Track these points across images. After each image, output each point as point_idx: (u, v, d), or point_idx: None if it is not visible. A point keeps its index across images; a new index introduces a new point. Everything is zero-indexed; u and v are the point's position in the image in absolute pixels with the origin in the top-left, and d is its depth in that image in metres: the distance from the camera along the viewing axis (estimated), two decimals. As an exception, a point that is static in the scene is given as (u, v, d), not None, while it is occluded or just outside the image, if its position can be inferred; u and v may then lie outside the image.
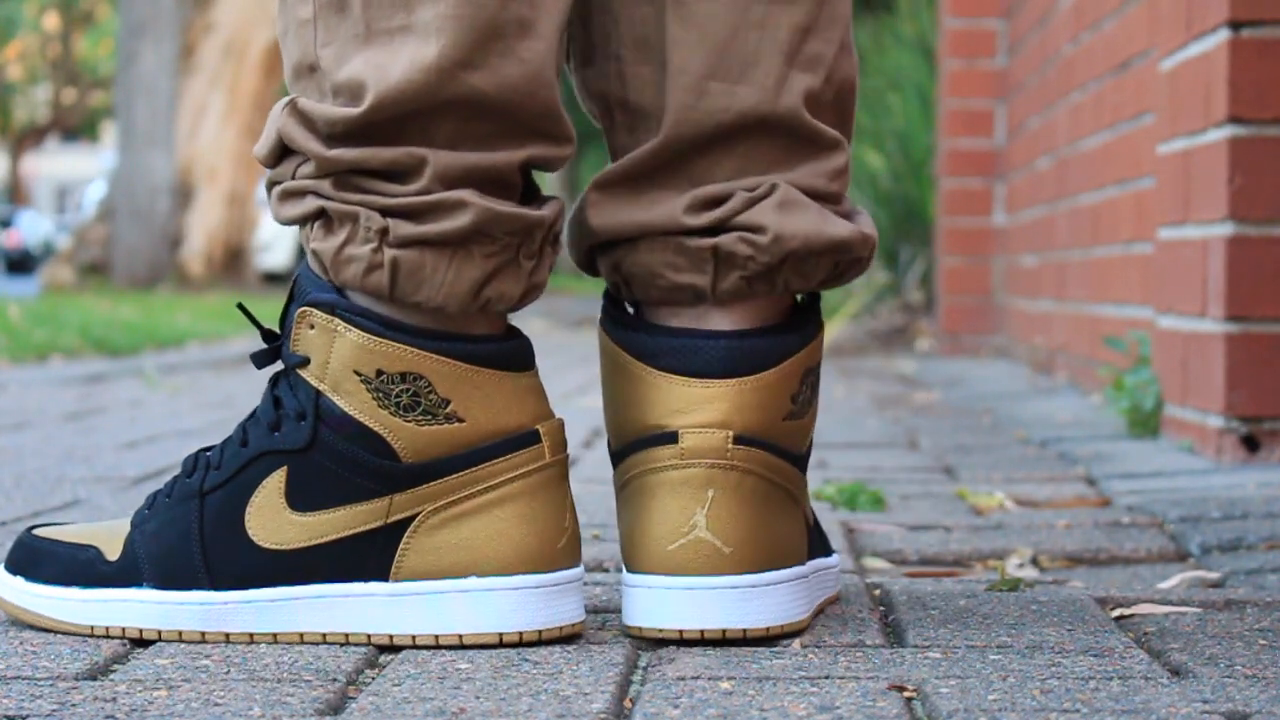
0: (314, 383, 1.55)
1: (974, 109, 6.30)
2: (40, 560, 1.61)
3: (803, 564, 1.61)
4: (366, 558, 1.54)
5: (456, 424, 1.54)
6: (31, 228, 33.96)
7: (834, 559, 1.74)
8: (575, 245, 1.64)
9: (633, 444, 1.58)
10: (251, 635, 1.55)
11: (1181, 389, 3.03)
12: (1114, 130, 4.02)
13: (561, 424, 1.57)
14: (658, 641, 1.56)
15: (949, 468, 3.04)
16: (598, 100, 1.62)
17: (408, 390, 1.53)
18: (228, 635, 1.55)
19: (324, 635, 1.54)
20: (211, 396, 4.67)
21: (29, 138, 36.45)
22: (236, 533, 1.56)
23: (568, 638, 1.56)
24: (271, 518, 1.55)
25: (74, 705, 1.31)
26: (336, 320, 1.54)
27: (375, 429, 1.54)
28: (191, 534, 1.57)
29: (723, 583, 1.55)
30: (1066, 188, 4.72)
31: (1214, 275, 2.81)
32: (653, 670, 1.45)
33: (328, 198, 1.54)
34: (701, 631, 1.54)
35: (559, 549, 1.55)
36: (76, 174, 49.86)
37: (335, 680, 1.40)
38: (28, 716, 1.28)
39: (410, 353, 1.53)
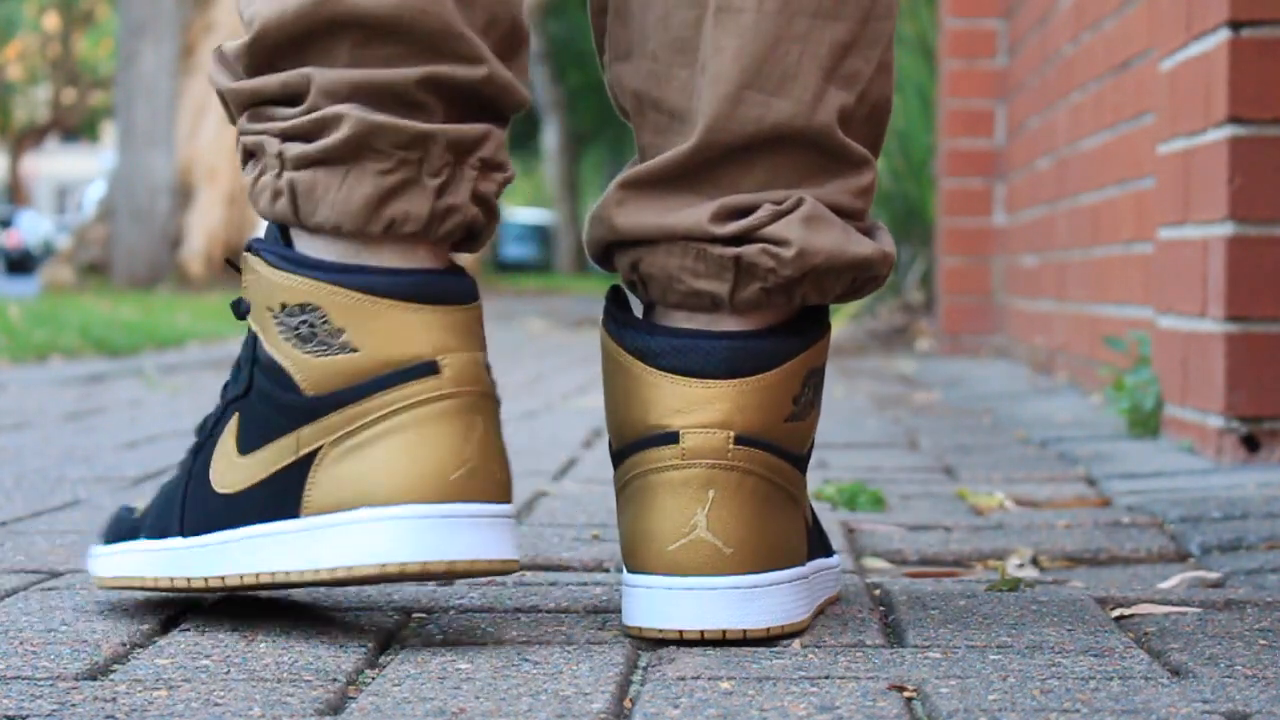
0: (251, 326, 1.58)
1: (974, 109, 6.30)
2: (113, 525, 1.70)
3: (803, 564, 1.61)
4: (285, 495, 1.55)
5: (350, 354, 1.53)
6: (31, 228, 33.98)
7: (834, 559, 1.74)
8: (594, 240, 1.64)
9: (633, 444, 1.58)
10: (206, 580, 1.58)
11: (1181, 389, 3.03)
12: (1114, 130, 4.02)
13: (475, 360, 1.54)
14: (658, 641, 1.56)
15: (949, 468, 3.04)
16: (630, 98, 1.62)
17: (306, 321, 1.54)
18: (189, 580, 1.59)
19: (256, 577, 1.55)
20: (211, 396, 4.67)
21: (29, 138, 36.46)
22: (205, 481, 1.60)
23: (465, 574, 1.52)
24: (226, 463, 1.59)
25: (74, 705, 1.31)
26: (256, 259, 1.57)
27: (281, 363, 1.55)
28: (179, 488, 1.63)
29: (724, 583, 1.54)
30: (1066, 188, 4.72)
31: (1214, 275, 2.81)
32: (653, 670, 1.45)
33: (244, 132, 1.58)
34: (702, 632, 1.54)
35: (451, 480, 1.51)
36: (76, 174, 49.86)
37: (335, 680, 1.40)
38: (28, 716, 1.28)
39: (305, 283, 1.54)
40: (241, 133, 1.58)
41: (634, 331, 1.59)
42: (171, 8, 15.46)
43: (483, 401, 1.54)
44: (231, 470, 1.58)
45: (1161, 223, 3.19)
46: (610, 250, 1.63)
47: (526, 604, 1.72)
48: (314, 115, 1.53)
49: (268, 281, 1.56)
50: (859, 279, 1.61)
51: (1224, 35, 2.76)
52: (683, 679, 1.41)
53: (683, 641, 1.55)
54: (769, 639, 1.56)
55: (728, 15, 1.57)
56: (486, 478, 1.53)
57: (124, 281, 14.97)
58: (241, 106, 1.58)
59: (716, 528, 1.55)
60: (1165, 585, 1.93)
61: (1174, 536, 2.24)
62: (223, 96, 1.61)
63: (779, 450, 1.58)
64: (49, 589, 1.79)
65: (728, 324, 1.59)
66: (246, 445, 1.57)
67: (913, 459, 3.18)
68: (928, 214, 7.20)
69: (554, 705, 1.32)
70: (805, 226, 1.57)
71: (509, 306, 13.57)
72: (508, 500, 1.55)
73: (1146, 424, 3.24)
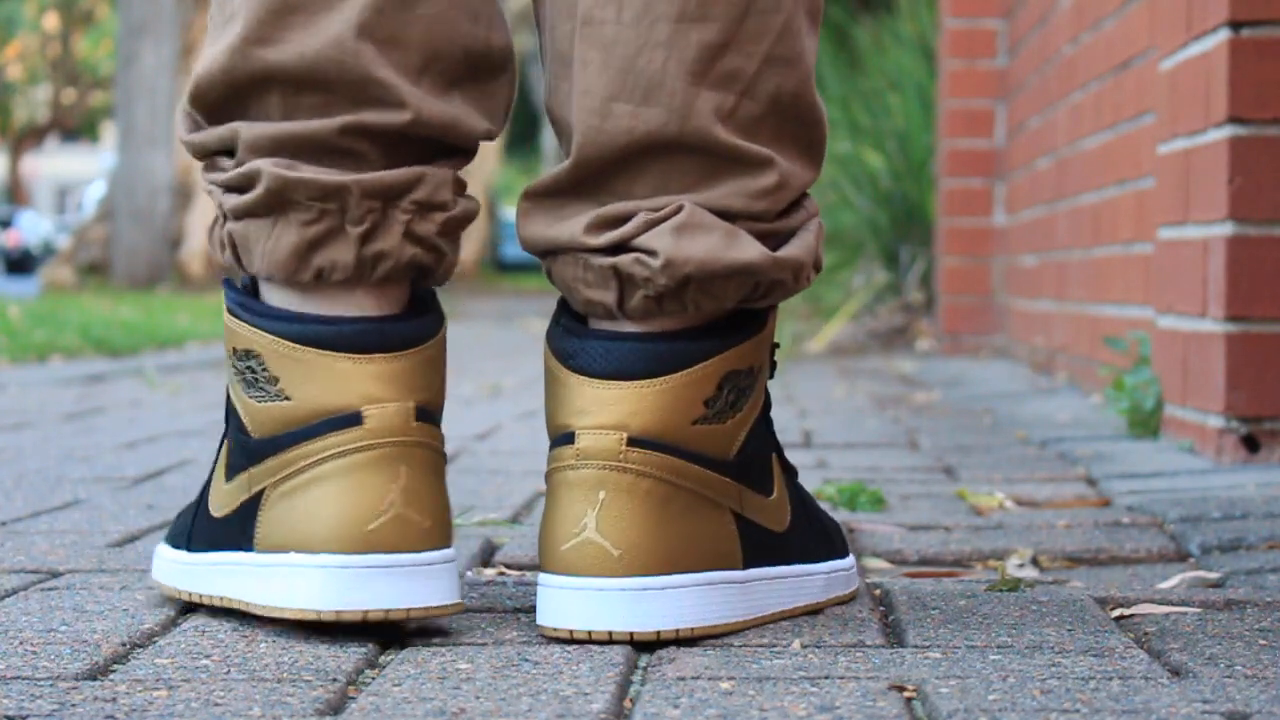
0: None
1: (974, 109, 6.30)
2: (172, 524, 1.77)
3: (733, 569, 1.61)
4: (245, 528, 1.60)
5: (284, 402, 1.57)
6: (31, 228, 33.97)
7: (821, 565, 1.71)
8: (525, 251, 1.67)
9: (551, 442, 1.62)
10: (203, 597, 1.65)
11: (1181, 389, 3.03)
12: (1114, 130, 4.02)
13: (403, 409, 1.55)
14: (660, 642, 1.56)
15: (949, 468, 3.04)
16: (546, 111, 1.65)
17: (249, 367, 1.59)
18: (191, 594, 1.66)
19: (232, 601, 1.61)
20: (211, 396, 4.67)
21: (29, 138, 36.44)
22: (205, 501, 1.67)
23: (384, 623, 1.53)
24: (216, 487, 1.65)
25: (74, 705, 1.31)
26: (224, 300, 1.64)
27: (235, 405, 1.61)
28: (194, 502, 1.70)
29: (611, 585, 1.55)
30: (1066, 188, 4.72)
31: (1214, 275, 2.81)
32: (653, 670, 1.45)
33: (204, 182, 1.64)
34: (589, 632, 1.55)
35: (369, 531, 1.53)
36: (76, 174, 49.85)
37: (335, 680, 1.40)
38: (28, 716, 1.28)
39: (247, 330, 1.58)
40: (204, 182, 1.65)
41: (560, 331, 1.61)
42: (171, 8, 15.46)
43: (409, 451, 1.55)
44: (219, 495, 1.64)
45: (1161, 223, 3.19)
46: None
47: (526, 604, 1.72)
48: (241, 170, 1.58)
49: (226, 325, 1.62)
50: (760, 284, 1.59)
51: (1224, 35, 2.76)
52: (683, 679, 1.41)
53: (573, 640, 1.55)
54: (660, 642, 1.55)
55: (590, 28, 1.57)
56: (408, 527, 1.54)
57: (124, 281, 14.97)
58: (196, 158, 1.63)
59: (605, 529, 1.56)
60: (1165, 585, 1.93)
61: (1174, 536, 2.24)
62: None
63: (686, 453, 1.57)
64: (49, 589, 1.79)
65: (630, 326, 1.60)
66: (228, 474, 1.63)
67: (913, 459, 3.18)
68: (928, 214, 7.20)
69: (554, 705, 1.32)
70: (675, 235, 1.56)
71: (509, 306, 13.57)
72: (437, 546, 1.56)
73: (1146, 424, 3.24)
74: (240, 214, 1.58)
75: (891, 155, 7.55)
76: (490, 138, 1.62)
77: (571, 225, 1.59)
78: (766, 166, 1.59)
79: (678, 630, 1.56)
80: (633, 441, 1.56)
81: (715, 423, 1.59)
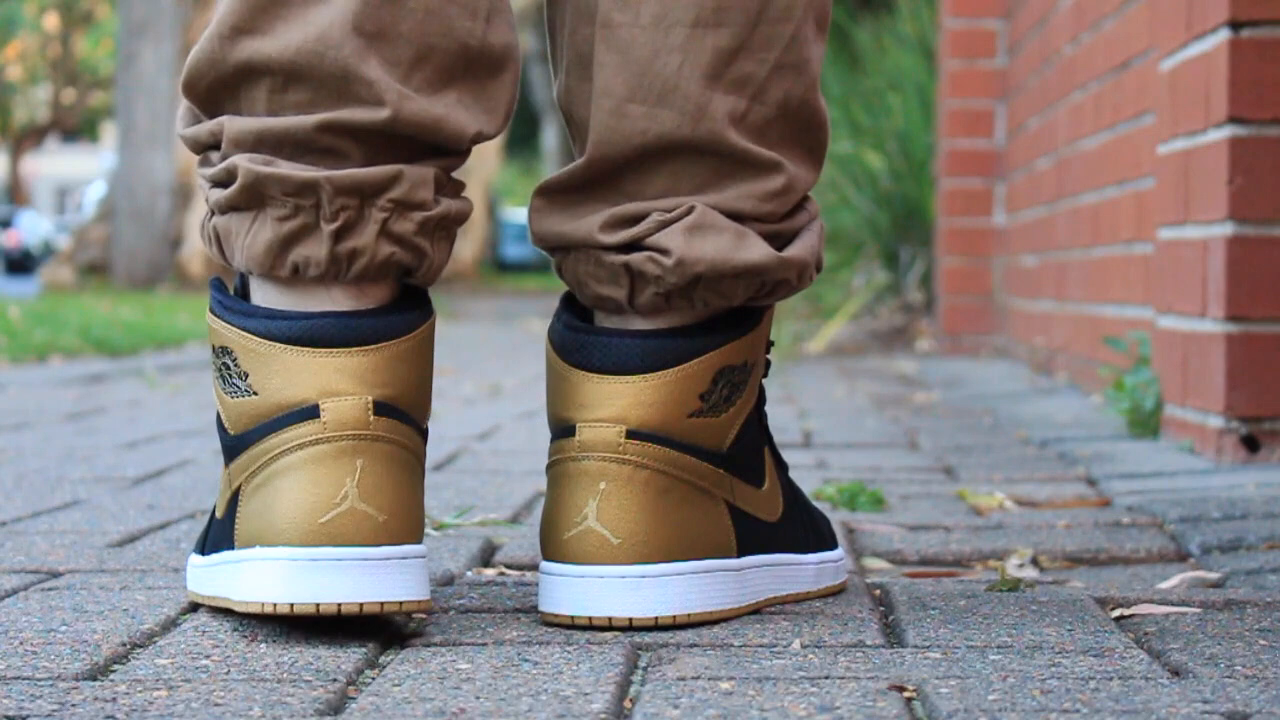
0: None
1: (974, 109, 6.30)
2: None
3: (727, 557, 1.64)
4: (230, 526, 1.61)
5: (253, 397, 1.57)
6: (31, 228, 33.97)
7: (811, 555, 1.76)
8: (534, 245, 1.70)
9: (552, 434, 1.65)
10: (206, 599, 1.65)
11: (1182, 389, 3.03)
12: (1114, 130, 4.02)
13: (361, 404, 1.54)
14: (658, 626, 1.56)
15: (949, 468, 3.04)
16: (560, 111, 1.68)
17: (224, 364, 1.60)
18: (200, 596, 1.67)
19: (222, 600, 1.61)
20: (211, 396, 4.67)
21: (29, 138, 36.44)
22: (215, 505, 1.67)
23: (336, 616, 1.52)
24: (219, 488, 1.66)
25: (74, 705, 1.31)
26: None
27: (215, 401, 1.62)
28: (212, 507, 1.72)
29: (611, 572, 1.59)
30: (1066, 188, 4.72)
31: (1214, 275, 2.81)
32: (653, 670, 1.45)
33: (197, 177, 1.64)
34: (589, 618, 1.58)
35: (321, 524, 1.53)
36: (76, 174, 49.86)
37: (335, 680, 1.40)
38: (28, 716, 1.28)
39: (222, 326, 1.59)
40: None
41: (561, 328, 1.65)
42: (171, 8, 15.46)
43: (368, 445, 1.54)
44: (219, 496, 1.65)
45: (1161, 223, 3.19)
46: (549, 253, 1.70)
47: (526, 604, 1.72)
48: (224, 164, 1.59)
49: (208, 324, 1.63)
50: (765, 283, 1.64)
51: (1224, 35, 2.76)
52: (683, 679, 1.41)
53: (574, 626, 1.59)
54: (659, 627, 1.59)
55: (609, 31, 1.61)
56: (363, 520, 1.54)
57: (124, 282, 14.97)
58: (193, 152, 1.63)
59: (606, 518, 1.59)
60: (1165, 585, 1.93)
61: (1174, 536, 2.24)
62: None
63: (682, 445, 1.61)
64: (49, 589, 1.79)
65: (637, 323, 1.64)
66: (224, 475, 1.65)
67: (913, 459, 3.18)
68: (928, 214, 7.20)
69: (554, 705, 1.32)
70: (687, 235, 1.60)
71: (509, 306, 13.56)
72: (395, 541, 1.55)
73: (1146, 424, 3.24)
74: (223, 208, 1.59)
75: (891, 155, 7.55)
76: (484, 139, 1.62)
77: (586, 223, 1.63)
78: (775, 170, 1.64)
79: (675, 616, 1.59)
80: (632, 434, 1.60)
81: (710, 416, 1.63)
